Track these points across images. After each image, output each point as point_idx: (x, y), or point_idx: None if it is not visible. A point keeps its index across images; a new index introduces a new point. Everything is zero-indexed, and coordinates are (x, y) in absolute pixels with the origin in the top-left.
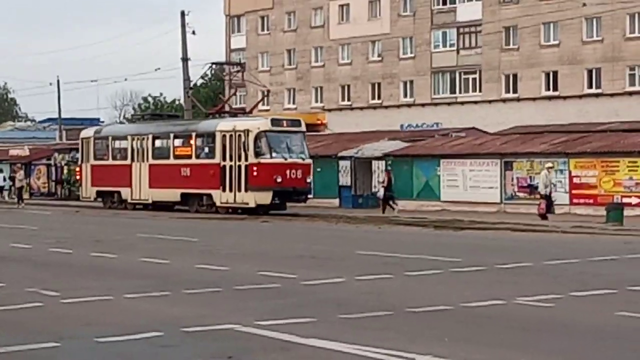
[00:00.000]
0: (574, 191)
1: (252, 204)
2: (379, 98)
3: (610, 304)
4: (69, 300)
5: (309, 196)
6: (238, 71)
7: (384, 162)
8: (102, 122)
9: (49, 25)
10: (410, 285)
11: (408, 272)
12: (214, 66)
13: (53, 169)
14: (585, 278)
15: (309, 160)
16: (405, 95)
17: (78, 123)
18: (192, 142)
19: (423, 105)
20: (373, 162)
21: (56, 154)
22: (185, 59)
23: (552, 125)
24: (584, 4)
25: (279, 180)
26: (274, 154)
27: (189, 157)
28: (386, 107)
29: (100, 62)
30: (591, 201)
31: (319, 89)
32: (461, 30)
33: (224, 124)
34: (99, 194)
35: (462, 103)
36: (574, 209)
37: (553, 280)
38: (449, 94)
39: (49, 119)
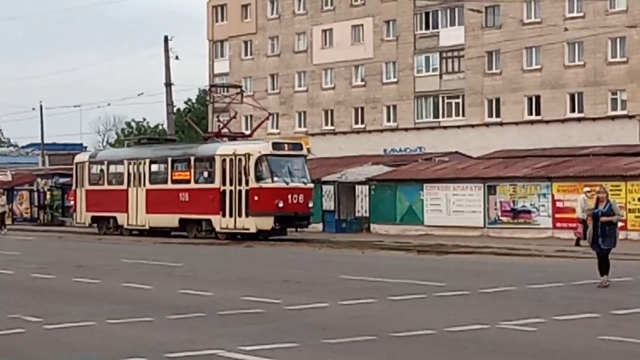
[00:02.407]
0: (556, 215)
1: (252, 230)
2: (362, 122)
3: (592, 328)
4: (52, 325)
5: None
6: (238, 93)
7: (367, 186)
8: (85, 147)
9: (32, 50)
10: (394, 310)
11: (392, 296)
12: (212, 89)
13: (36, 194)
14: (568, 302)
15: (311, 185)
16: (389, 120)
17: (61, 148)
18: (191, 166)
19: (406, 129)
20: (357, 186)
21: (39, 179)
22: (168, 84)
23: (535, 150)
24: (566, 29)
25: (280, 205)
26: (275, 178)
27: (188, 181)
28: (369, 131)
29: (84, 87)
30: (574, 225)
31: (302, 114)
32: (444, 54)
33: (224, 148)
34: (94, 219)
35: (445, 127)
36: (557, 233)
37: (536, 304)
38: (432, 118)
39: (32, 144)
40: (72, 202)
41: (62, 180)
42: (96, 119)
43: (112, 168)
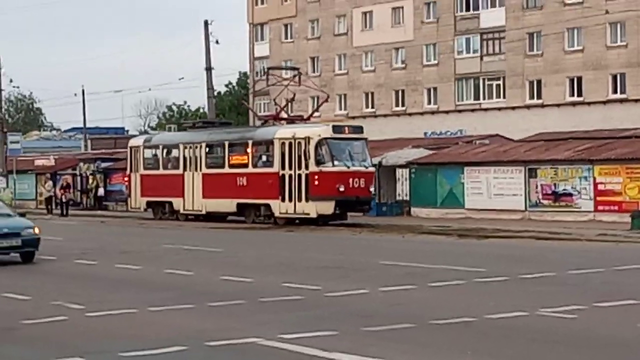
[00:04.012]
0: (598, 198)
1: (313, 214)
2: (402, 105)
3: (633, 314)
4: (93, 313)
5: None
6: (295, 76)
7: (407, 169)
8: (127, 131)
9: (73, 35)
10: (434, 296)
11: (432, 282)
12: (270, 71)
13: (79, 178)
14: (608, 288)
15: (372, 169)
16: (429, 102)
17: (103, 132)
18: (249, 150)
19: (447, 112)
20: (397, 170)
21: (81, 164)
22: (208, 69)
23: (576, 132)
24: (607, 11)
25: (341, 189)
26: (336, 162)
27: (246, 165)
28: (410, 114)
29: (125, 72)
30: (616, 208)
31: (342, 97)
32: (485, 36)
33: (283, 131)
34: (149, 204)
35: (486, 110)
36: (598, 216)
37: (576, 290)
38: (473, 100)
39: (74, 128)
40: (125, 187)
41: (104, 164)
42: (137, 102)
43: (168, 152)
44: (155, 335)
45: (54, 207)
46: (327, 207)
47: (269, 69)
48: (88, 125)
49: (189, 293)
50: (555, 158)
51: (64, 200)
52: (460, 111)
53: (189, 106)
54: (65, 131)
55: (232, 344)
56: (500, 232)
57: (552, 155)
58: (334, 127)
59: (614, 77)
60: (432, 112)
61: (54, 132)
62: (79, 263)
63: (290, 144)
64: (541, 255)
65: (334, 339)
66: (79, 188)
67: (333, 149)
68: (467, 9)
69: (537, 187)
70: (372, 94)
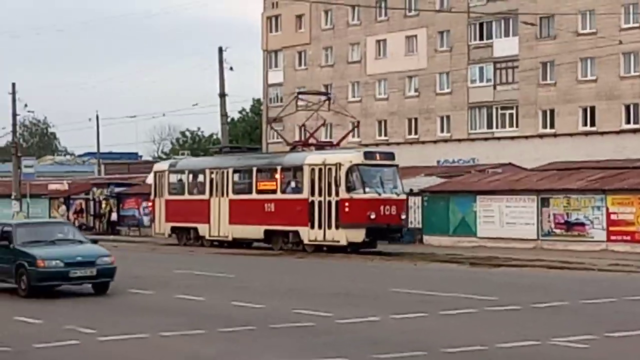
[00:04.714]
0: (611, 228)
1: (343, 242)
2: (415, 133)
3: None
4: (106, 338)
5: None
6: (325, 101)
7: (420, 197)
8: (141, 156)
9: (88, 60)
10: (446, 325)
11: (443, 310)
12: (299, 96)
13: (92, 203)
14: (621, 318)
15: (404, 196)
16: (442, 131)
17: (116, 157)
18: (277, 176)
19: (459, 140)
20: (410, 197)
21: (94, 189)
22: (222, 95)
23: (589, 162)
24: (620, 42)
25: (372, 216)
26: (367, 189)
27: (274, 191)
28: (423, 142)
29: (139, 97)
30: (628, 238)
31: (356, 124)
32: (498, 65)
33: (313, 157)
34: (174, 230)
35: (499, 138)
36: (611, 246)
37: (589, 320)
38: (486, 129)
39: (88, 153)
40: (150, 212)
41: (117, 189)
42: (151, 128)
43: (193, 177)
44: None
45: None
46: (358, 235)
47: (299, 93)
48: (102, 150)
49: (201, 318)
50: (568, 187)
51: (76, 224)
52: (473, 140)
53: (202, 132)
54: (79, 156)
55: None
56: (512, 260)
57: (564, 184)
58: (365, 153)
59: (627, 107)
60: (445, 141)
61: (68, 156)
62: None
63: (320, 170)
64: (553, 285)
65: None
66: (92, 213)
67: (364, 175)
68: (481, 38)
69: (549, 216)
70: (385, 121)
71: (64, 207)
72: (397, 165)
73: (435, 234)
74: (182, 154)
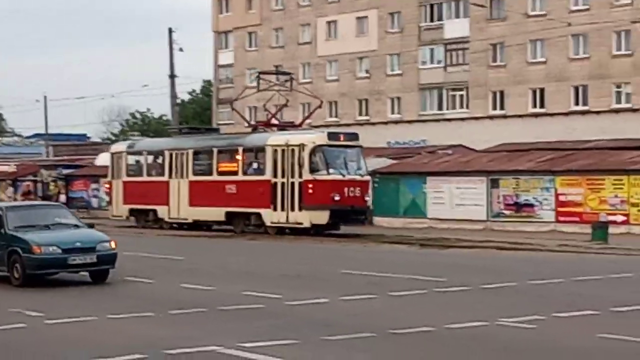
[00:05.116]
0: (559, 209)
1: (306, 224)
2: (366, 114)
3: (593, 325)
4: (54, 321)
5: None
6: (287, 81)
7: (370, 178)
8: (89, 137)
9: (39, 44)
10: (395, 306)
11: (393, 292)
12: (260, 76)
13: (40, 185)
14: (569, 298)
15: (368, 177)
16: (393, 112)
17: (65, 139)
18: (239, 157)
19: (410, 122)
20: None
21: (43, 170)
22: (172, 76)
23: (539, 143)
24: (569, 24)
25: (336, 198)
26: (330, 170)
27: (235, 173)
28: (373, 123)
29: (88, 79)
30: (577, 219)
31: (306, 105)
32: (448, 47)
33: (275, 138)
34: (132, 212)
35: (449, 120)
36: (560, 227)
37: (537, 300)
38: (437, 110)
39: (36, 135)
40: (107, 194)
41: (66, 171)
42: (100, 109)
43: (152, 159)
44: (114, 343)
45: None
46: (322, 217)
47: (259, 73)
48: (50, 131)
49: (150, 301)
50: (518, 169)
51: None
52: (423, 121)
53: (152, 113)
54: (27, 137)
55: (192, 352)
56: (462, 242)
57: (514, 165)
58: (329, 134)
59: (576, 89)
60: (396, 122)
61: (16, 138)
62: None
63: (283, 151)
64: (502, 265)
65: (295, 348)
66: (40, 194)
67: (328, 156)
68: (432, 20)
69: (499, 197)
70: (336, 103)
71: (11, 189)
72: (361, 146)
73: (385, 215)
74: (132, 135)
